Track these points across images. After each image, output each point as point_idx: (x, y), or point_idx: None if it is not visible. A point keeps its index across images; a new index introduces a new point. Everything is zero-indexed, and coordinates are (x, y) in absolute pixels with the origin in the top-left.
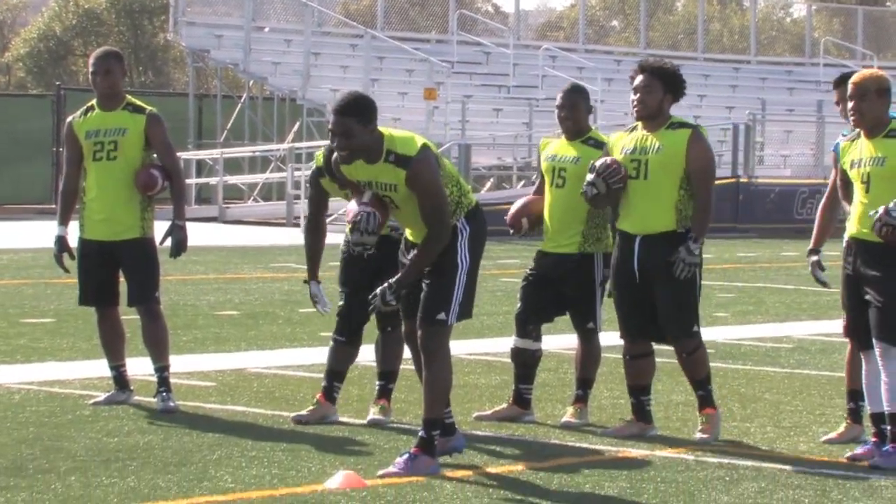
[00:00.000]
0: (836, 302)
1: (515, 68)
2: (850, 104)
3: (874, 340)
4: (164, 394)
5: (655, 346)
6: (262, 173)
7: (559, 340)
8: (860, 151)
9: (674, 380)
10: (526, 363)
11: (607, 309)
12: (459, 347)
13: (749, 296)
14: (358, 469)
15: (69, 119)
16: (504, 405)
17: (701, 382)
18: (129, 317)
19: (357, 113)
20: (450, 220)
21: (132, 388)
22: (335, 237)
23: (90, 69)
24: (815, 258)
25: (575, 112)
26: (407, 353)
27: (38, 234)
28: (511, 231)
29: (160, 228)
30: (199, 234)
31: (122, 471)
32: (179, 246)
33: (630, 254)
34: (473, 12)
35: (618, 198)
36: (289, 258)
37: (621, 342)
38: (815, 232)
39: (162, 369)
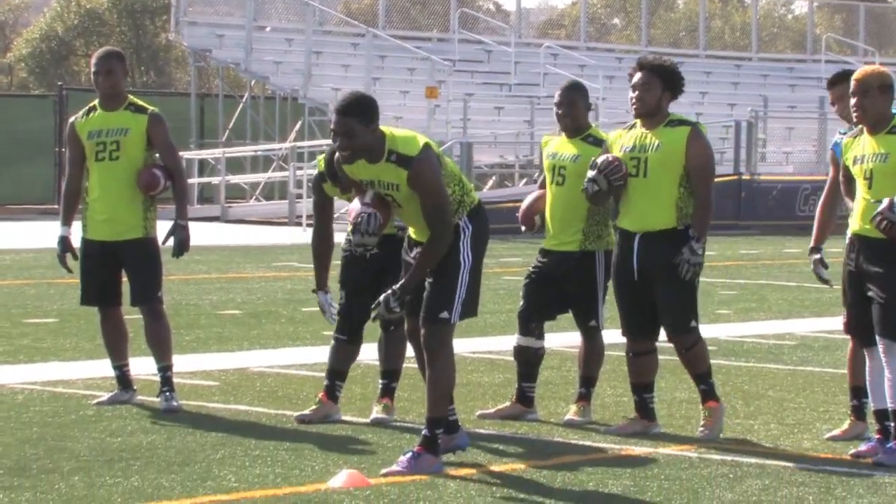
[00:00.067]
0: (839, 299)
1: (517, 66)
2: (852, 101)
3: (877, 337)
4: (168, 393)
5: (658, 344)
6: (264, 172)
7: (562, 338)
8: (863, 148)
9: (677, 377)
10: (529, 361)
11: (610, 307)
12: (462, 346)
13: (751, 293)
14: (361, 468)
15: (71, 119)
16: (507, 403)
17: (702, 377)
18: (132, 316)
19: (359, 113)
20: (451, 219)
21: (135, 387)
22: (338, 236)
23: (92, 69)
24: (817, 256)
25: (573, 109)
26: (410, 351)
27: (40, 234)
28: (523, 228)
29: (162, 228)
30: (201, 234)
31: (125, 470)
32: (182, 245)
33: (629, 251)
34: (475, 10)
35: (619, 195)
36: (291, 257)
37: (624, 340)
38: (815, 230)
39: (165, 369)
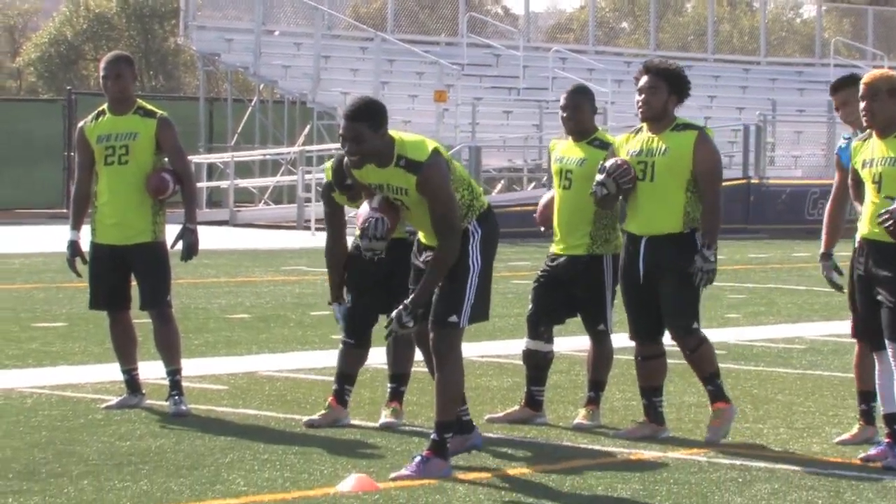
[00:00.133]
0: (847, 303)
1: (525, 70)
2: (861, 104)
3: (886, 341)
4: (176, 397)
5: (667, 348)
6: (273, 176)
7: (571, 342)
8: (872, 151)
9: (686, 381)
10: (538, 365)
11: (618, 311)
12: (471, 349)
13: (760, 297)
14: (370, 472)
15: (80, 124)
16: (516, 407)
17: (709, 378)
18: (141, 320)
19: (367, 118)
20: (460, 224)
21: (144, 391)
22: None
23: (101, 73)
24: (828, 262)
25: (578, 113)
26: (419, 355)
27: (49, 238)
28: (542, 228)
29: (171, 232)
30: (210, 238)
31: (134, 474)
32: (191, 249)
33: (636, 255)
34: (483, 14)
35: (627, 198)
36: (300, 261)
37: (633, 344)
38: (824, 235)
39: (174, 373)
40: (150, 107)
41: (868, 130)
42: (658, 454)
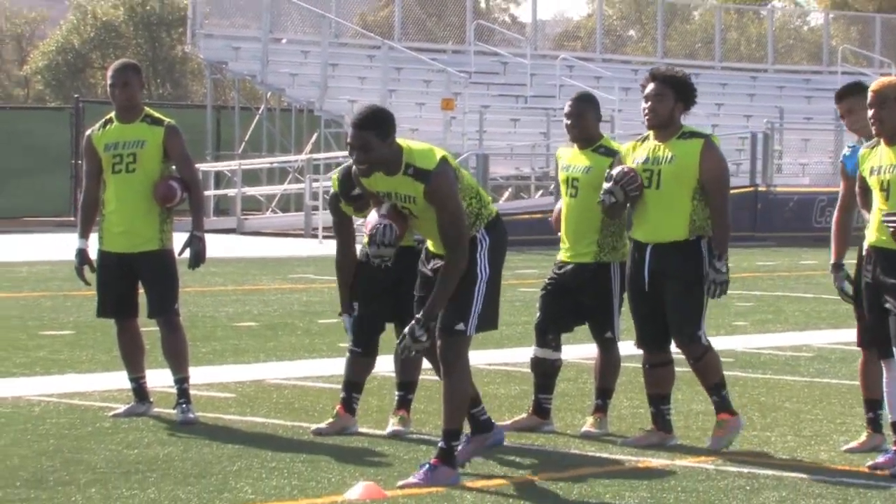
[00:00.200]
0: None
1: (533, 78)
2: (869, 112)
3: (894, 349)
4: (184, 405)
5: (675, 356)
6: (280, 184)
7: (578, 350)
8: (880, 158)
9: (693, 389)
10: (546, 373)
11: (625, 318)
12: (479, 357)
13: (768, 304)
14: (378, 480)
15: (88, 132)
16: (524, 415)
17: (714, 388)
18: (149, 329)
19: (375, 126)
20: (467, 233)
21: (152, 399)
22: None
23: (108, 81)
24: (840, 272)
25: (581, 120)
26: (427, 363)
27: (56, 246)
28: (559, 234)
29: (179, 240)
30: (217, 246)
31: (142, 483)
32: (198, 257)
33: (642, 262)
34: (490, 22)
35: (634, 205)
36: (307, 269)
37: (640, 351)
38: (834, 246)
39: (181, 381)
40: (157, 115)
41: (876, 138)
42: (666, 462)
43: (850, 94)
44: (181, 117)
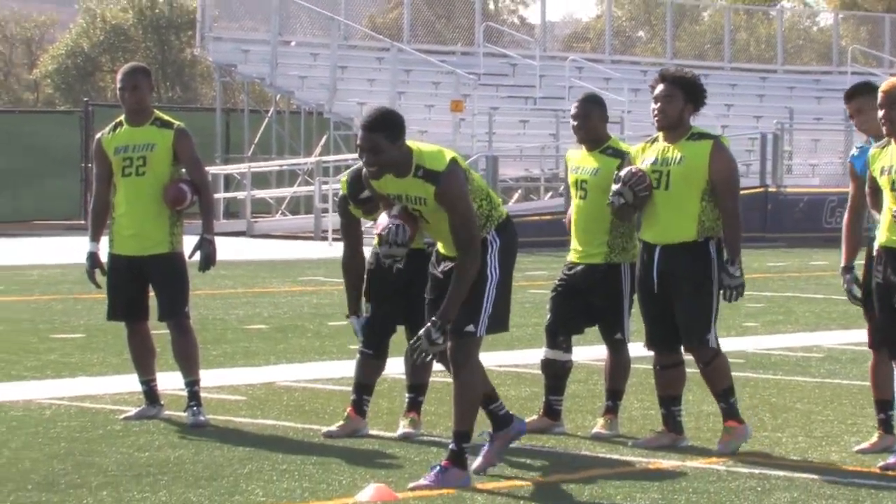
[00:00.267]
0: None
1: (542, 80)
2: (880, 112)
3: None
4: (195, 408)
5: (686, 357)
6: (290, 187)
7: (589, 351)
8: (891, 158)
9: (704, 390)
10: (556, 374)
11: (635, 320)
12: (489, 359)
13: (778, 305)
14: (389, 482)
15: (98, 135)
16: (534, 417)
17: (722, 394)
18: (159, 331)
19: (385, 129)
20: (479, 233)
21: (163, 402)
22: (367, 251)
23: (118, 85)
24: (849, 275)
25: (587, 122)
26: (437, 365)
27: (66, 249)
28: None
29: (189, 243)
30: (227, 249)
31: (153, 485)
32: (208, 260)
33: (651, 263)
34: (499, 24)
35: (643, 206)
36: (317, 271)
37: (651, 353)
38: (844, 248)
39: (192, 384)
40: (167, 118)
41: (886, 138)
42: (677, 463)
43: (860, 94)
44: (191, 120)
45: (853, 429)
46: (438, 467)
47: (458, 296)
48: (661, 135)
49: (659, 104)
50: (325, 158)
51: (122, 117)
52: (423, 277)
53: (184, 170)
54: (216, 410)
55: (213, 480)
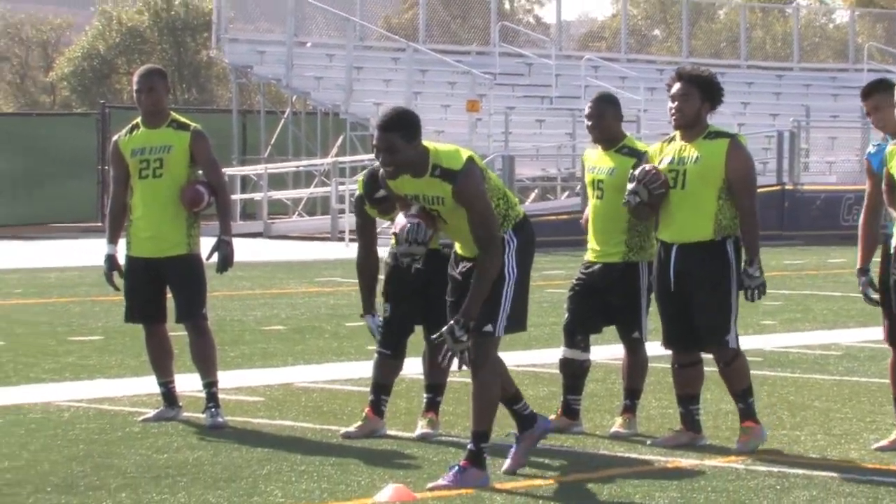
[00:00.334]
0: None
1: (558, 79)
2: None
3: None
4: (213, 409)
5: (704, 356)
6: (307, 188)
7: (606, 351)
8: None
9: (722, 389)
10: (574, 374)
11: (653, 319)
12: (507, 359)
13: (796, 303)
14: (407, 482)
15: (115, 138)
16: (552, 416)
17: (741, 395)
18: (177, 333)
19: (401, 128)
20: (499, 230)
21: (181, 404)
22: (381, 251)
23: (134, 87)
24: (865, 277)
25: (601, 121)
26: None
27: (84, 251)
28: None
29: (206, 244)
30: (244, 250)
31: (172, 487)
32: (226, 261)
33: (668, 263)
34: (515, 24)
35: (659, 205)
36: (334, 272)
37: (669, 352)
38: (860, 249)
39: (210, 385)
40: (183, 119)
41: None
42: (695, 462)
43: (877, 92)
44: (207, 122)
45: (872, 426)
46: (457, 467)
47: (481, 294)
48: (678, 134)
49: (676, 103)
50: (341, 159)
51: (139, 119)
52: (440, 278)
53: (200, 171)
54: (234, 412)
55: (231, 482)
